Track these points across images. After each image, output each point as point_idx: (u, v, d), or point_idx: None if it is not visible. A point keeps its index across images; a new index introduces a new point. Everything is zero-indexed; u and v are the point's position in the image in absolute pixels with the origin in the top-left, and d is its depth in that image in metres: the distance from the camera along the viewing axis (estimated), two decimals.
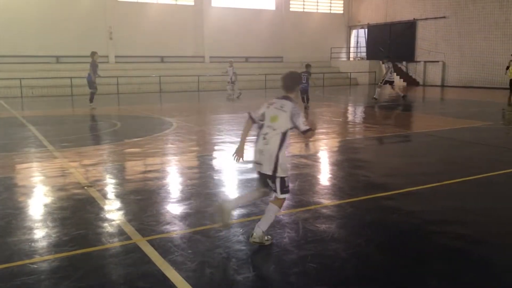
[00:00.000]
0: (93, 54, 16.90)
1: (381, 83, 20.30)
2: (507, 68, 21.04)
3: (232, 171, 7.36)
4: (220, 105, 19.32)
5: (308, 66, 17.30)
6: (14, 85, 22.19)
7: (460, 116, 14.15)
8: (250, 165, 7.47)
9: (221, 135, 10.90)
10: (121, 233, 4.51)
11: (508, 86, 21.20)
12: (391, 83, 20.17)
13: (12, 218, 4.98)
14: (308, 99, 16.71)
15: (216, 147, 9.57)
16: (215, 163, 8.13)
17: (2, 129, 12.98)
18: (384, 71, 20.53)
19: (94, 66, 16.81)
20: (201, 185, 6.41)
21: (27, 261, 3.86)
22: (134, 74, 25.73)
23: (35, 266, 3.78)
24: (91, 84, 17.00)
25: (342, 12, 35.94)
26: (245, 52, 30.92)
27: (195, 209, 5.28)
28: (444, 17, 29.05)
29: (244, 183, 6.45)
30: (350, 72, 32.26)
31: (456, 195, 6.02)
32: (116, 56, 27.38)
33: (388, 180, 6.79)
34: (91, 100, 17.01)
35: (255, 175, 6.77)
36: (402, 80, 31.43)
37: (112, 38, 27.08)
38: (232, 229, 4.59)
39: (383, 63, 20.67)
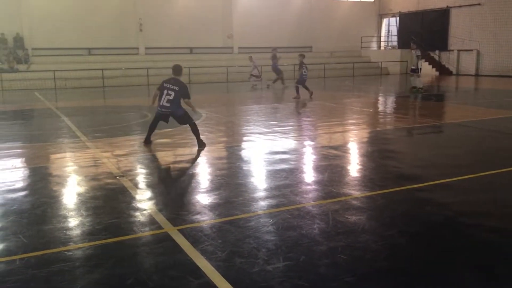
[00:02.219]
0: (274, 49, 22.65)
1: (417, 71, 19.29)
2: None
3: (260, 161, 7.37)
4: (248, 96, 19.33)
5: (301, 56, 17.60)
6: (48, 77, 22.72)
7: (495, 106, 13.74)
8: (279, 156, 7.49)
9: (250, 126, 10.90)
10: (152, 222, 4.57)
11: None
12: (415, 71, 19.23)
13: (47, 206, 5.12)
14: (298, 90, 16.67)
15: (244, 138, 9.59)
16: (244, 154, 8.15)
17: (37, 120, 13.34)
18: (416, 59, 19.51)
19: (275, 57, 22.03)
20: (230, 176, 6.43)
21: (63, 249, 3.97)
22: (164, 66, 25.92)
23: (70, 254, 3.88)
24: (278, 71, 22.00)
25: (373, 0, 35.28)
26: (274, 42, 30.67)
27: (225, 199, 5.30)
28: (478, 4, 28.15)
29: (273, 174, 6.44)
30: (381, 62, 31.70)
31: (490, 187, 5.87)
32: (146, 48, 27.69)
33: (419, 171, 6.67)
34: (283, 82, 21.89)
35: (284, 166, 6.79)
36: (434, 69, 30.71)
37: (142, 30, 27.38)
38: (262, 219, 4.60)
39: (412, 49, 19.66)
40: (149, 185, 6.08)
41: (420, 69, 19.18)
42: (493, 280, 3.41)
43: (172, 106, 8.22)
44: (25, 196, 5.61)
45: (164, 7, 27.91)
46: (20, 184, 6.16)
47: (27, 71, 23.53)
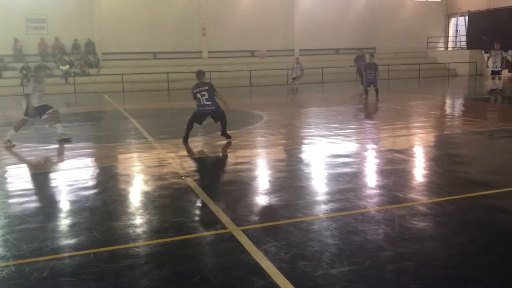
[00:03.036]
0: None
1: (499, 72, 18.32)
2: None
3: (321, 164, 7.31)
4: (309, 98, 19.24)
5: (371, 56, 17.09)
6: (116, 80, 23.79)
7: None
8: (342, 159, 7.39)
9: (310, 129, 10.85)
10: (216, 222, 4.66)
11: None
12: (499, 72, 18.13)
13: (117, 204, 5.35)
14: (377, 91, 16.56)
15: (305, 141, 9.55)
16: (305, 157, 8.11)
17: (106, 122, 14.01)
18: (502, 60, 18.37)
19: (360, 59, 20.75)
20: (292, 178, 6.43)
21: (132, 245, 4.13)
22: (226, 69, 26.40)
23: (139, 250, 4.04)
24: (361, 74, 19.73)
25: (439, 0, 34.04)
26: (336, 44, 30.41)
27: (287, 201, 5.31)
28: None
29: (335, 177, 6.37)
30: (449, 63, 30.46)
31: None
32: (209, 52, 28.29)
33: (491, 177, 6.34)
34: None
35: (346, 170, 6.70)
36: (507, 70, 29.08)
37: (205, 34, 28.01)
38: (325, 223, 4.56)
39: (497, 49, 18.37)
40: (213, 186, 6.21)
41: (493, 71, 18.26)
42: None
43: (212, 103, 9.08)
44: (96, 193, 5.90)
45: (226, 11, 28.41)
46: (91, 182, 6.50)
47: (97, 75, 24.80)
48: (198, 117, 9.20)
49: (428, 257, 3.72)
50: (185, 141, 9.01)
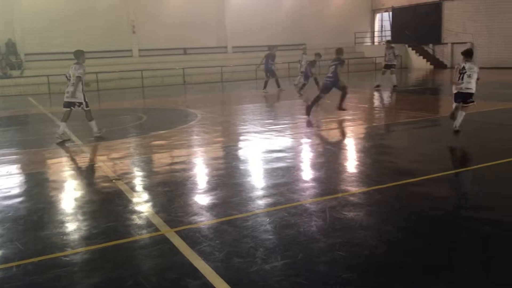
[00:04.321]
0: (274, 47, 19.62)
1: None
2: None
3: (256, 160, 7.36)
4: (244, 95, 19.31)
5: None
6: (42, 82, 22.62)
7: (490, 98, 13.74)
8: (276, 154, 7.48)
9: (246, 125, 10.88)
10: (149, 224, 4.56)
11: None
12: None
13: (43, 212, 5.09)
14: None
15: (241, 138, 9.57)
16: (241, 154, 8.13)
17: (31, 126, 13.30)
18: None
19: (270, 56, 18.81)
20: (227, 176, 6.41)
21: (60, 254, 3.94)
22: (158, 67, 25.90)
23: (67, 259, 3.86)
24: (271, 72, 18.75)
25: None
26: (268, 40, 30.67)
27: (222, 199, 5.29)
28: None
29: (269, 172, 6.43)
30: (375, 57, 31.69)
31: (487, 179, 5.87)
32: (139, 50, 27.61)
33: (416, 166, 6.67)
34: (278, 85, 18.75)
35: (280, 164, 6.77)
36: (428, 63, 30.76)
37: (135, 32, 27.31)
38: (259, 218, 4.58)
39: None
40: (146, 188, 6.06)
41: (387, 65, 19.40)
42: (492, 272, 3.41)
43: (334, 76, 11.11)
44: (20, 202, 5.57)
45: (156, 8, 27.82)
46: (15, 191, 6.13)
47: (20, 77, 23.46)
48: (326, 88, 11.41)
49: (358, 246, 3.85)
50: (309, 113, 11.01)
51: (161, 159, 7.87)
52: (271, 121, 11.57)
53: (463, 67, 8.88)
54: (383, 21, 36.15)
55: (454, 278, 3.32)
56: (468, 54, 9.14)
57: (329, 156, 7.34)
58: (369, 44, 35.62)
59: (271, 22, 30.62)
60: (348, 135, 9.53)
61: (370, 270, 3.49)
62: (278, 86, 18.77)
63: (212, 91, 21.49)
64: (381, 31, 36.42)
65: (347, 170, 6.68)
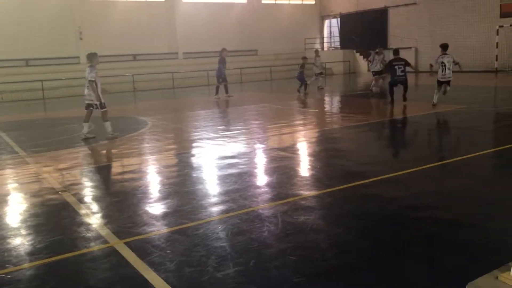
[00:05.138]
0: (223, 50, 18.84)
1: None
2: None
3: (208, 167, 7.31)
4: (195, 101, 19.18)
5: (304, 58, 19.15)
6: None
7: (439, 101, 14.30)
8: (228, 161, 7.46)
9: (198, 132, 10.81)
10: (97, 237, 4.42)
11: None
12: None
13: None
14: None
15: (193, 145, 9.49)
16: (193, 161, 8.05)
17: None
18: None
19: (223, 61, 18.58)
20: (179, 184, 6.33)
21: (1, 272, 3.75)
22: (106, 74, 25.27)
23: (9, 277, 3.67)
24: (223, 77, 18.61)
25: (314, 2, 36.00)
26: (219, 47, 30.64)
27: (173, 208, 5.21)
28: (414, 3, 29.34)
29: (222, 179, 6.40)
30: (325, 62, 32.33)
31: (433, 179, 6.09)
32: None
33: (366, 168, 6.82)
34: (227, 91, 18.72)
35: (233, 171, 6.76)
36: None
37: (82, 38, 26.59)
38: (211, 226, 4.54)
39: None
40: (94, 199, 5.88)
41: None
42: (439, 269, 3.52)
43: (405, 75, 13.52)
44: None
45: (104, 14, 27.22)
46: None
47: None
48: (393, 85, 13.76)
49: (309, 250, 3.88)
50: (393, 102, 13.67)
51: (110, 168, 7.67)
52: (224, 127, 11.56)
53: (442, 62, 12.52)
54: (331, 27, 37.00)
55: (403, 278, 3.41)
56: (444, 47, 12.82)
57: (281, 161, 7.39)
58: (319, 49, 36.29)
59: (222, 28, 30.66)
60: (299, 139, 9.64)
61: (321, 273, 3.52)
62: (226, 92, 18.75)
63: (163, 98, 21.22)
64: (330, 37, 37.25)
65: (299, 174, 6.75)
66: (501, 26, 24.37)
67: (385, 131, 10.45)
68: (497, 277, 1.44)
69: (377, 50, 17.87)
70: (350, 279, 3.42)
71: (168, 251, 3.98)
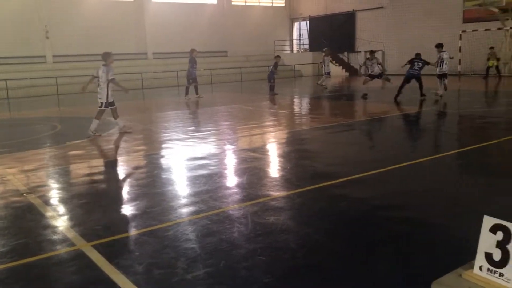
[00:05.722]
0: (192, 50, 18.58)
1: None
2: (488, 59, 22.65)
3: (178, 168, 7.26)
4: (165, 102, 19.02)
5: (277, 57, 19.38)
6: None
7: (401, 103, 14.64)
8: (198, 162, 7.43)
9: (167, 133, 10.72)
10: (64, 239, 4.33)
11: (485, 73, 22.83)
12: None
13: None
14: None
15: (163, 146, 9.41)
16: (162, 162, 7.98)
17: None
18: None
19: (193, 61, 18.42)
20: (148, 185, 6.26)
21: None
22: (74, 74, 24.82)
23: None
24: (193, 78, 18.45)
25: (283, 5, 36.25)
26: (189, 47, 30.50)
27: (142, 209, 5.15)
28: (381, 7, 29.93)
29: (192, 180, 6.37)
30: (295, 64, 32.62)
31: (401, 179, 6.23)
32: (54, 56, 26.31)
33: (334, 168, 6.92)
34: (197, 92, 18.57)
35: (203, 172, 6.73)
36: (344, 70, 32.15)
37: (48, 37, 25.98)
38: (181, 228, 4.52)
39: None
40: (60, 201, 5.76)
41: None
42: (407, 268, 3.60)
43: (419, 71, 14.94)
44: None
45: (71, 12, 26.66)
46: None
47: None
48: (407, 80, 15.04)
49: (278, 250, 3.91)
50: (396, 100, 14.63)
51: (78, 169, 7.52)
52: (194, 128, 11.51)
53: (440, 57, 15.67)
54: (301, 30, 37.35)
55: (371, 277, 3.47)
56: (440, 45, 15.96)
57: (251, 162, 7.41)
58: (288, 52, 36.59)
59: (192, 29, 30.51)
60: (269, 140, 9.69)
61: (291, 273, 3.55)
62: (197, 93, 18.66)
63: (132, 98, 20.92)
64: (299, 39, 37.58)
65: (269, 175, 6.79)
66: (464, 31, 25.11)
67: (355, 132, 10.61)
68: (460, 275, 1.49)
69: (368, 56, 18.05)
70: (319, 279, 3.46)
71: (137, 253, 3.93)
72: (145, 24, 29.17)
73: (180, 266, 3.65)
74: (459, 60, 25.04)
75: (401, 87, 15.02)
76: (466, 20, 25.71)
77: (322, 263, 3.73)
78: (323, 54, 21.79)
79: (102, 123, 10.74)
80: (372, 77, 17.32)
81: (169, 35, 29.53)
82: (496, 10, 22.98)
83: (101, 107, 10.38)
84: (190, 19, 30.60)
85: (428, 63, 15.37)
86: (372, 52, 17.99)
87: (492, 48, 22.62)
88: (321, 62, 22.20)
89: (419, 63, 15.06)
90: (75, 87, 24.04)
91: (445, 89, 16.05)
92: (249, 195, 5.53)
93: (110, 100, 10.38)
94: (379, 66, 17.51)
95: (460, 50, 24.89)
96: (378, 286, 3.34)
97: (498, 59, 22.59)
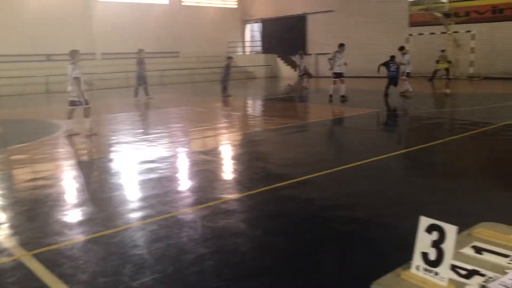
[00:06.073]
0: (140, 51, 18.29)
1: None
2: (437, 61, 22.95)
3: (126, 173, 7.09)
4: (114, 104, 18.56)
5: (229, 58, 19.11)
6: None
7: (350, 105, 14.96)
8: (147, 165, 7.28)
9: (115, 136, 10.45)
10: (1, 250, 4.10)
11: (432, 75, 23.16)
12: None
13: None
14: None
15: (110, 149, 9.16)
16: (110, 166, 7.76)
17: None
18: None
19: (141, 62, 18.00)
20: (94, 190, 6.07)
21: None
22: (16, 74, 23.78)
23: None
24: (143, 79, 18.06)
25: (236, 6, 36.27)
26: (139, 48, 30.01)
27: (88, 215, 4.98)
28: (331, 10, 30.50)
29: (140, 185, 6.23)
30: (247, 66, 32.69)
31: (348, 180, 6.34)
32: None
33: (285, 170, 6.96)
34: (147, 93, 18.06)
35: (152, 175, 6.59)
36: (296, 72, 32.53)
37: None
38: (128, 233, 4.39)
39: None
40: None
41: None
42: (352, 268, 3.66)
43: (396, 71, 16.68)
44: None
45: (14, 10, 25.52)
46: None
47: None
48: (390, 79, 16.72)
49: (228, 254, 3.87)
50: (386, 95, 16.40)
51: (19, 175, 7.19)
52: (143, 131, 11.29)
53: (405, 59, 17.00)
54: (253, 32, 37.51)
55: (319, 277, 3.50)
56: (402, 48, 17.71)
57: (202, 165, 7.34)
58: (241, 53, 36.65)
59: (143, 29, 29.95)
60: (221, 142, 9.64)
61: (241, 276, 3.53)
62: (147, 94, 18.27)
63: None
64: (252, 41, 37.72)
65: (220, 178, 6.74)
66: (410, 35, 26.03)
67: (306, 133, 10.74)
68: (399, 275, 1.51)
69: (337, 50, 16.67)
70: (269, 281, 3.46)
71: (80, 261, 3.79)
72: (93, 24, 28.37)
73: (126, 273, 3.55)
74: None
75: (387, 87, 16.83)
76: (412, 24, 26.64)
77: (272, 265, 3.72)
78: (336, 51, 17.07)
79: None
80: (337, 75, 16.00)
81: (119, 35, 28.85)
82: (440, 15, 23.89)
83: (71, 105, 10.28)
84: (140, 19, 30.03)
85: (400, 65, 16.96)
86: (342, 45, 16.57)
87: (443, 51, 23.05)
88: (330, 59, 17.39)
89: (394, 65, 16.74)
90: (19, 89, 23.15)
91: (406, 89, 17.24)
92: (200, 198, 5.46)
93: (80, 98, 10.22)
94: (334, 63, 16.20)
95: (407, 53, 25.78)
96: (325, 286, 3.37)
97: (449, 62, 23.00)
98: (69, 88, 10.32)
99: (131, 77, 23.04)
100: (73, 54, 10.52)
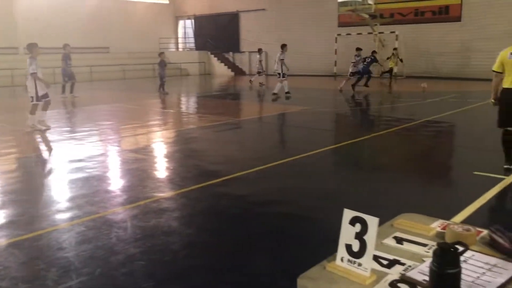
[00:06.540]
0: (65, 46, 17.45)
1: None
2: (388, 58, 22.61)
3: (51, 173, 6.78)
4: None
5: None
6: None
7: (283, 102, 15.20)
8: (75, 164, 6.98)
9: (39, 134, 9.93)
10: None
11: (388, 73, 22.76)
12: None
13: None
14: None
15: (35, 148, 8.70)
16: (34, 166, 7.37)
17: None
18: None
19: (67, 57, 17.36)
20: (16, 191, 5.74)
21: None
22: None
23: None
24: (69, 75, 17.43)
25: (168, 2, 35.67)
26: (68, 42, 28.70)
27: (8, 218, 4.69)
28: (263, 9, 30.81)
29: (67, 185, 5.96)
30: (181, 63, 32.29)
31: (280, 176, 6.43)
32: None
33: (218, 167, 6.94)
34: (72, 91, 17.36)
35: (79, 175, 6.34)
36: (230, 70, 32.58)
37: None
38: (52, 236, 4.19)
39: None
40: None
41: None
42: (282, 262, 3.72)
43: (368, 67, 18.09)
44: None
45: None
46: None
47: None
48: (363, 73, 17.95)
49: (159, 253, 3.80)
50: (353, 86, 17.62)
51: None
52: (70, 129, 10.82)
53: (361, 58, 18.12)
54: (186, 28, 37.08)
55: (249, 273, 3.52)
56: (359, 49, 18.13)
57: (133, 163, 7.15)
58: (174, 50, 36.14)
59: (71, 23, 28.68)
60: (154, 140, 9.45)
61: (172, 275, 3.47)
62: (71, 91, 17.58)
63: (0, 97, 19.13)
64: (185, 38, 37.30)
65: (152, 176, 6.60)
66: (339, 35, 26.86)
67: (239, 130, 10.77)
68: (324, 267, 1.54)
69: (356, 53, 18.46)
70: (201, 279, 3.43)
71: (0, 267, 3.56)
72: (15, 16, 26.77)
73: (50, 277, 3.38)
74: (335, 62, 26.78)
75: (358, 79, 18.00)
76: (341, 24, 27.49)
77: (204, 263, 3.70)
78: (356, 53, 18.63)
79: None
80: (353, 74, 18.42)
81: (45, 29, 27.41)
82: (366, 16, 24.82)
83: (32, 101, 9.95)
84: (68, 13, 28.74)
85: (375, 62, 18.92)
86: (358, 49, 18.66)
87: (395, 49, 22.65)
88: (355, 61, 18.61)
89: (368, 59, 18.40)
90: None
91: (366, 84, 18.39)
92: (129, 198, 5.32)
93: (41, 93, 9.95)
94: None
95: (335, 53, 26.61)
96: (256, 281, 3.40)
97: (401, 60, 22.74)
98: (27, 83, 10.07)
99: (57, 73, 22.00)
100: (31, 48, 10.14)
